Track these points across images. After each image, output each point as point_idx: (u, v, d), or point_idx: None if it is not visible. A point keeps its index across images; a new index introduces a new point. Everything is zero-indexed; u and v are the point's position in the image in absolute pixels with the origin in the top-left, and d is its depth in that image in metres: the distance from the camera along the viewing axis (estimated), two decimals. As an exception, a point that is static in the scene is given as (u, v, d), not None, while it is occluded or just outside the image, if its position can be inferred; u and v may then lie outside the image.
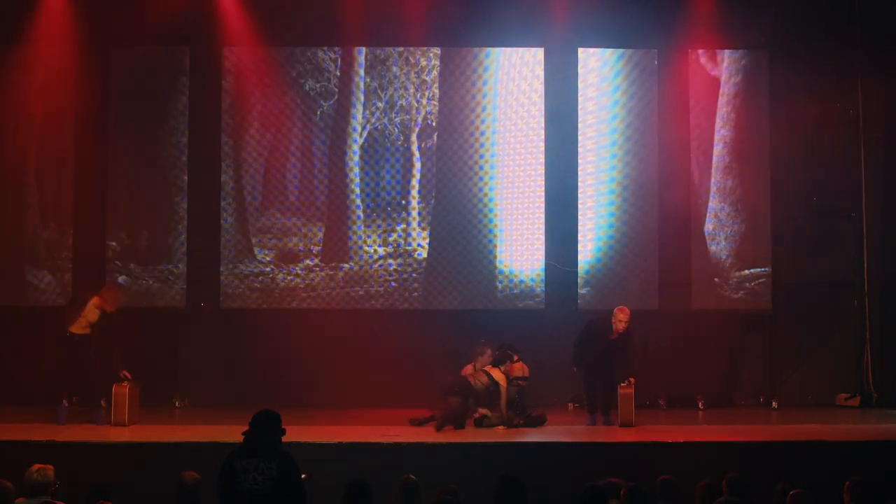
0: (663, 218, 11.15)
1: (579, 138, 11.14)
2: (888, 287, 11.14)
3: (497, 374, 9.23)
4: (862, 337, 11.13)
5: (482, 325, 10.48)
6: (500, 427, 9.11)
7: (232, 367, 10.79)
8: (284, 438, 5.19)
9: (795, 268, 11.13)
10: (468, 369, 9.53)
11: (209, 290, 11.06)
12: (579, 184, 11.14)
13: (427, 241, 11.19)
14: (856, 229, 11.31)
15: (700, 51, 11.31)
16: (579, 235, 11.14)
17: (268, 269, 11.14)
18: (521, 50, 11.21)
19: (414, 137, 11.24)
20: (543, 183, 11.14)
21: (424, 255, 11.17)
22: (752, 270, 11.16)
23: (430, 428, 8.94)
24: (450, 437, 8.63)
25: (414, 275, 11.14)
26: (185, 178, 11.09)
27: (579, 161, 11.15)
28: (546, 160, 11.14)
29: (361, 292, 11.09)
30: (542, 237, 11.10)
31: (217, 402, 10.48)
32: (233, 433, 5.70)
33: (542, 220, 11.11)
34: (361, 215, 11.19)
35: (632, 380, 9.19)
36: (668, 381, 10.81)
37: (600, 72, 11.31)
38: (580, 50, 11.22)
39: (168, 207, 11.12)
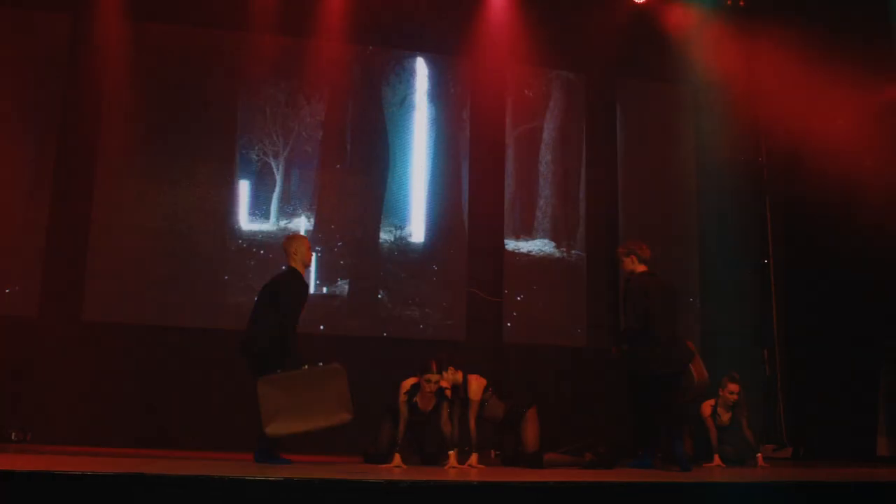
0: (590, 257, 9.77)
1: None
2: (793, 336, 10.24)
3: (472, 386, 6.66)
4: (773, 387, 10.08)
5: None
6: (473, 455, 6.32)
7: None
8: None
9: (717, 315, 9.98)
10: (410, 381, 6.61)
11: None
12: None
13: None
14: (764, 279, 10.38)
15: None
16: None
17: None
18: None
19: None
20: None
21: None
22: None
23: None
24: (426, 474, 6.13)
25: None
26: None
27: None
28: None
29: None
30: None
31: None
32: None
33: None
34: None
35: None
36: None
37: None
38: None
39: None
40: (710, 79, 10.24)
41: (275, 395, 5.94)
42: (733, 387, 7.72)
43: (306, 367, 6.07)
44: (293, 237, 6.81)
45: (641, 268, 6.84)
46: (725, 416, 7.80)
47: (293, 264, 6.55)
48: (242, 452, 6.62)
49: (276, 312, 6.29)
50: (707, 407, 7.83)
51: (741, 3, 10.48)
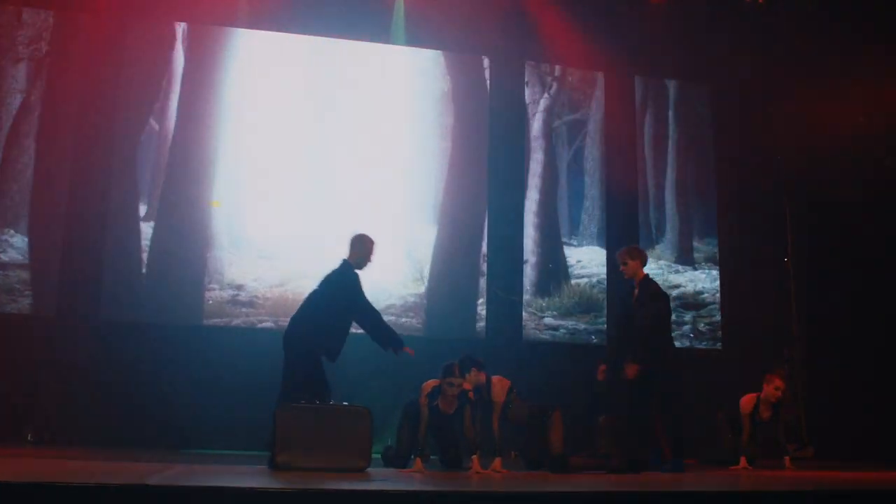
0: (611, 254, 9.43)
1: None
2: (814, 334, 9.84)
3: (496, 388, 6.21)
4: (794, 386, 9.69)
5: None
6: (497, 461, 5.75)
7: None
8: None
9: (741, 311, 9.61)
10: (432, 384, 6.08)
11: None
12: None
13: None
14: (784, 277, 10.00)
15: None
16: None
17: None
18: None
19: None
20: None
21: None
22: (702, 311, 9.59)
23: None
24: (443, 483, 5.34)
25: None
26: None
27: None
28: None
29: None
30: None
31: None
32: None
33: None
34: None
35: None
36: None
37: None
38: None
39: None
40: (729, 76, 9.91)
41: (294, 425, 5.56)
42: (780, 383, 6.91)
43: (332, 402, 5.79)
44: (360, 236, 6.41)
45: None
46: (766, 414, 6.97)
47: (349, 259, 6.33)
48: (262, 451, 6.31)
49: (317, 305, 6.10)
50: (748, 403, 7.01)
51: (760, 1, 10.10)
